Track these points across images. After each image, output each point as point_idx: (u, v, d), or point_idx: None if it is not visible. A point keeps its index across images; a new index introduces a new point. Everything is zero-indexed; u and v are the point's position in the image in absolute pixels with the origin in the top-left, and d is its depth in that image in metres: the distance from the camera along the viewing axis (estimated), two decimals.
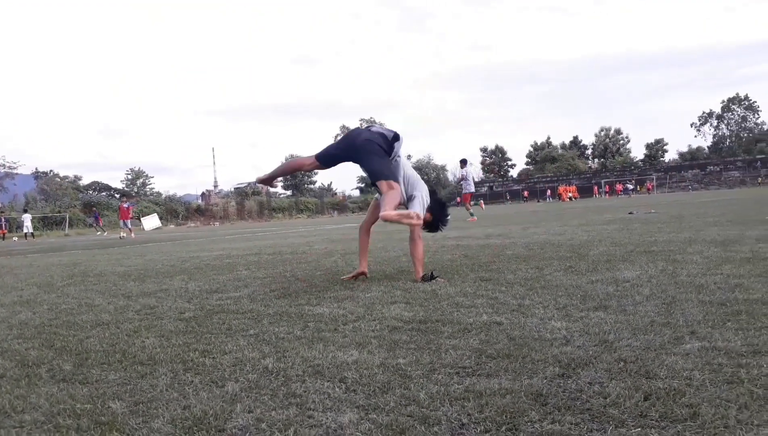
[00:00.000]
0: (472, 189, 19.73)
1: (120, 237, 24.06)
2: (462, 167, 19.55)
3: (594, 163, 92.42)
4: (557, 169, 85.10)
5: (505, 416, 1.66)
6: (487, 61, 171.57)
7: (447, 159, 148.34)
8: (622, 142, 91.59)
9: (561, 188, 63.57)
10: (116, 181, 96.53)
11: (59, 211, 54.82)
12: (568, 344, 2.35)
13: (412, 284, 4.19)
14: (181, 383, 2.14)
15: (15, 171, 72.20)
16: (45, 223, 51.35)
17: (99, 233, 38.87)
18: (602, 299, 3.21)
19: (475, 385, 1.91)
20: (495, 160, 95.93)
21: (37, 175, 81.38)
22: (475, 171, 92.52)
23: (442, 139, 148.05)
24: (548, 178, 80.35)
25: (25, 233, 35.44)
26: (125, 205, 25.93)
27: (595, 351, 2.23)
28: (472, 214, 18.43)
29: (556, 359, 2.15)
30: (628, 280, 3.83)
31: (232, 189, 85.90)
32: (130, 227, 25.06)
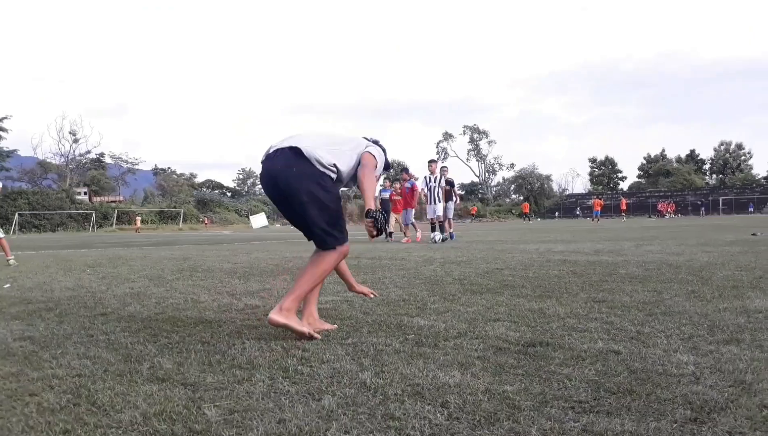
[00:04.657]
0: None
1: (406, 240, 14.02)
2: None
3: (712, 179, 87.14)
4: (671, 184, 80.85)
5: None
6: (592, 62, 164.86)
7: (552, 169, 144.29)
8: (743, 157, 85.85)
9: (661, 205, 60.75)
10: (228, 180, 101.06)
11: (174, 207, 58.00)
12: (698, 382, 2.09)
13: (517, 301, 3.98)
14: (278, 393, 2.08)
15: (137, 167, 77.36)
16: (161, 217, 54.43)
17: None
18: (733, 331, 2.89)
19: (593, 424, 1.72)
20: (604, 172, 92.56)
21: (156, 172, 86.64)
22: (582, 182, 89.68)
23: (545, 146, 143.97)
24: (661, 193, 76.50)
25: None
26: (407, 185, 15.22)
27: (731, 393, 1.96)
28: None
29: (686, 400, 1.90)
30: (760, 310, 3.46)
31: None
32: (413, 222, 15.00)
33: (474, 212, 64.86)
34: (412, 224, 14.86)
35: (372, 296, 3.62)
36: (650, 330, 2.97)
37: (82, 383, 2.25)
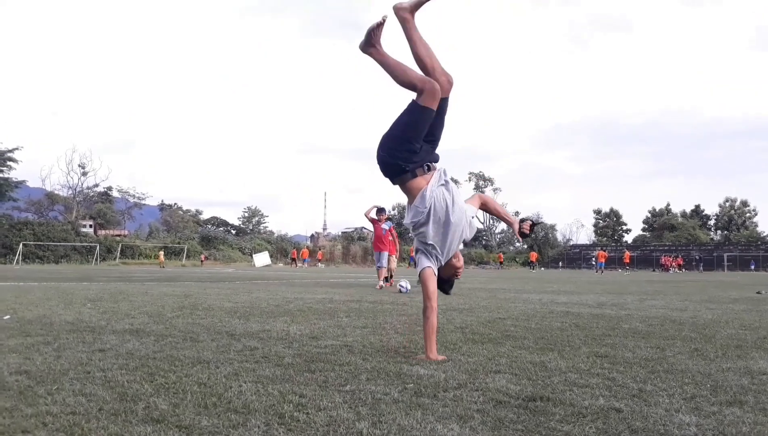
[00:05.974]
0: None
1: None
2: None
3: (716, 235, 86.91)
4: (676, 238, 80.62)
5: None
6: (598, 118, 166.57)
7: (557, 218, 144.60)
8: (748, 215, 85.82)
9: (665, 258, 60.33)
10: (233, 218, 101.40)
11: (179, 242, 58.09)
12: None
13: (519, 353, 3.95)
14: None
15: (143, 202, 77.81)
16: (165, 252, 54.47)
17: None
18: (736, 393, 2.85)
19: None
20: (609, 223, 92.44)
21: (162, 207, 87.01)
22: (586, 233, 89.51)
23: (550, 195, 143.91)
24: (666, 247, 76.21)
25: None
26: (385, 227, 13.90)
27: None
28: None
29: None
30: (764, 372, 3.41)
31: (340, 233, 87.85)
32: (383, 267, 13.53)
33: (534, 259, 57.02)
34: (379, 268, 13.41)
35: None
36: (652, 388, 2.93)
37: (76, 421, 2.23)
